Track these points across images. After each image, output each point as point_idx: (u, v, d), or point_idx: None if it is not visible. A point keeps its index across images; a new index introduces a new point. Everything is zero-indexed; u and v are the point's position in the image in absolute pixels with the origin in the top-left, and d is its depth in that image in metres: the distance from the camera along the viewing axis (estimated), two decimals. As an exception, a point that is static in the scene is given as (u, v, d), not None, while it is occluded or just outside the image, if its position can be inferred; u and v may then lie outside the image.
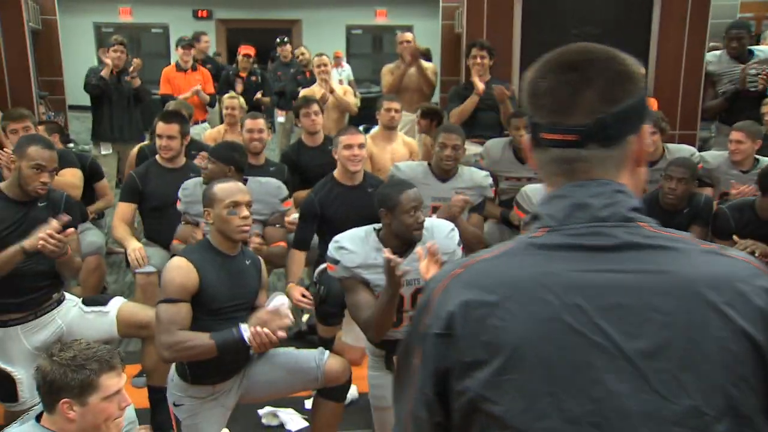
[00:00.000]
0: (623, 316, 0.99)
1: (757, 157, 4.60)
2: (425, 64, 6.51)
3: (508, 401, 1.00)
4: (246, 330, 2.75)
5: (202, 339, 2.72)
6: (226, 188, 2.90)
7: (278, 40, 9.42)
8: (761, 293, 1.00)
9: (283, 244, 3.94)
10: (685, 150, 4.70)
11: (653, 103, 5.58)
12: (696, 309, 0.98)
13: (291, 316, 2.83)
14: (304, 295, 3.61)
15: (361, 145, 3.87)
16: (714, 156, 4.83)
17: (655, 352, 0.98)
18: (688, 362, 0.97)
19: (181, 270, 2.75)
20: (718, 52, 5.94)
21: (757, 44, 6.94)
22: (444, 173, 4.05)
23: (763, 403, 1.00)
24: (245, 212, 2.86)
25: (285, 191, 4.04)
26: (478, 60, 5.49)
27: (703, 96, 5.94)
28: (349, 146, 3.84)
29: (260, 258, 3.12)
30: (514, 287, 1.03)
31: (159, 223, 4.20)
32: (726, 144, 4.77)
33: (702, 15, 5.81)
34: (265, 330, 2.73)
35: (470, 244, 3.93)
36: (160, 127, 4.26)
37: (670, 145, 4.79)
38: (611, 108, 1.05)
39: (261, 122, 4.67)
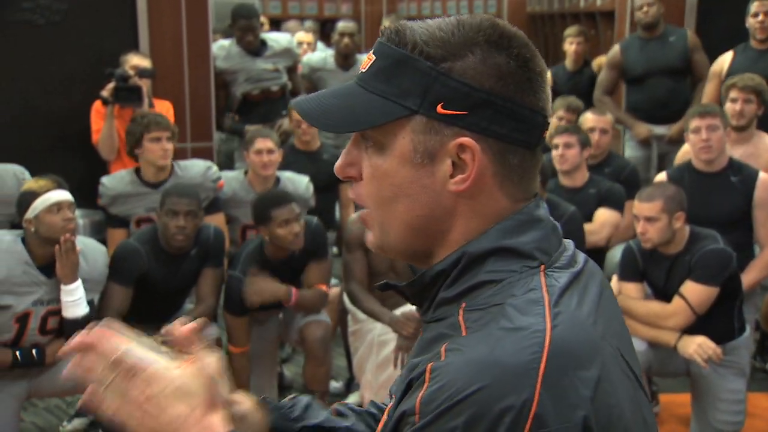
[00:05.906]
0: (625, 344, 0.94)
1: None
2: None
3: None
4: None
5: None
6: None
7: None
8: None
9: None
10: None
11: (170, 108, 4.35)
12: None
13: None
14: None
15: None
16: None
17: (635, 369, 0.93)
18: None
19: None
20: (226, 43, 4.88)
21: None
22: None
23: None
24: None
25: None
26: None
27: (217, 99, 4.82)
28: None
29: None
30: (594, 352, 0.85)
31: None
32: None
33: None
34: None
35: None
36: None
37: (182, 162, 3.92)
38: None
39: None
